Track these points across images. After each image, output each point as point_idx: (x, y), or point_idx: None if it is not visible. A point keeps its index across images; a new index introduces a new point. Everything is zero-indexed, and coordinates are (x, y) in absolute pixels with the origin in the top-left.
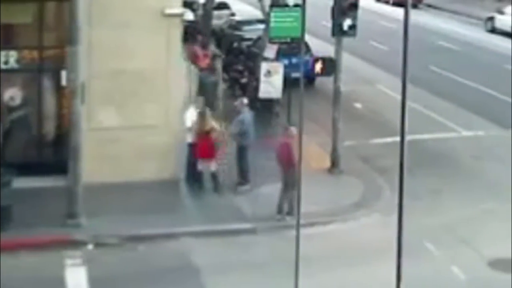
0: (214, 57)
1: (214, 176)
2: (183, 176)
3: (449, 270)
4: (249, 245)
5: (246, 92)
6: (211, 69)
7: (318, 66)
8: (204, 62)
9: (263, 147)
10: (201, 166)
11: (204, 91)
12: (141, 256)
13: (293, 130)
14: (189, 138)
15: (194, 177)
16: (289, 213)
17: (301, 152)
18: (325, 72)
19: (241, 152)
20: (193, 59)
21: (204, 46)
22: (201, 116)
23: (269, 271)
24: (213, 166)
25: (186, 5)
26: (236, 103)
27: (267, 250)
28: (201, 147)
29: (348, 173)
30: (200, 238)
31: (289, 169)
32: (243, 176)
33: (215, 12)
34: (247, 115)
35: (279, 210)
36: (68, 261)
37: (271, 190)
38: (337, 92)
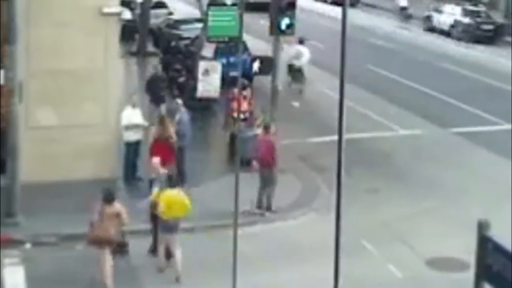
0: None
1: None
2: (121, 175)
3: (386, 268)
4: (188, 244)
5: (184, 91)
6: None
7: (256, 65)
8: None
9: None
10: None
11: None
12: (79, 255)
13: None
14: (126, 137)
15: (133, 177)
16: (268, 208)
17: (237, 151)
18: (263, 71)
19: (179, 153)
20: None
21: None
22: (161, 121)
23: (207, 270)
24: (170, 170)
25: (124, 4)
26: (172, 104)
27: (204, 249)
28: (160, 154)
29: (286, 172)
30: (138, 237)
31: (270, 166)
32: (181, 176)
33: (153, 11)
34: (184, 115)
35: (259, 205)
36: (6, 260)
37: (209, 189)
38: (274, 91)
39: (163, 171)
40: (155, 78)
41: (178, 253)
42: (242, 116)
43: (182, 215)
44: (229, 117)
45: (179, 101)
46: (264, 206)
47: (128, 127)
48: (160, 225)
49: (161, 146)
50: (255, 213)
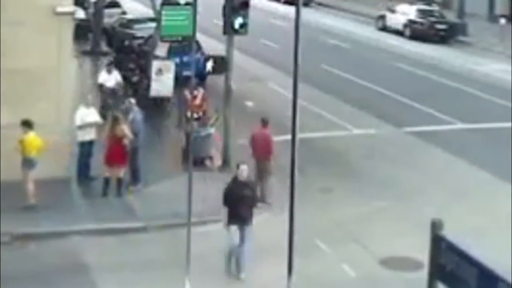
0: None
1: (120, 182)
2: (75, 175)
3: (339, 268)
4: (141, 244)
5: (137, 90)
6: None
7: (209, 65)
8: None
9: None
10: (109, 172)
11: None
12: (32, 254)
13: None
14: (80, 137)
15: (87, 176)
16: (263, 200)
17: (191, 150)
18: (216, 70)
19: (132, 152)
20: None
21: None
22: (115, 120)
23: (160, 269)
24: (121, 172)
25: (77, 3)
26: (125, 104)
27: (158, 248)
28: (113, 153)
29: None
30: (91, 237)
31: (266, 160)
32: (135, 176)
33: (106, 11)
34: (137, 115)
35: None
36: None
37: (162, 189)
38: (228, 91)
39: None
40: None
41: None
42: (195, 115)
43: None
44: (182, 116)
45: (132, 100)
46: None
47: (82, 127)
48: None
49: (114, 146)
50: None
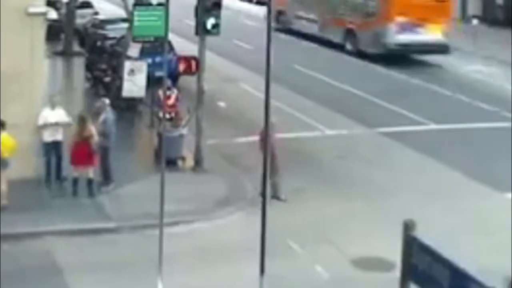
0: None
1: (90, 182)
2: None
3: (312, 268)
4: (113, 244)
5: (110, 91)
6: None
7: (181, 65)
8: None
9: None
10: (76, 173)
11: None
12: (5, 255)
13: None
14: (44, 138)
15: (59, 177)
16: (275, 196)
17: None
18: (188, 70)
19: (104, 153)
20: None
21: None
22: (81, 120)
23: (132, 270)
24: (90, 173)
25: (50, 4)
26: (98, 103)
27: (130, 249)
28: (79, 153)
29: (212, 172)
30: (63, 237)
31: (272, 157)
32: (106, 176)
33: (79, 11)
34: (109, 115)
35: (274, 195)
36: None
37: (134, 189)
38: (200, 91)
39: None
40: None
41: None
42: (168, 116)
43: None
44: (155, 117)
45: (107, 100)
46: (278, 194)
47: (44, 127)
48: None
49: (80, 146)
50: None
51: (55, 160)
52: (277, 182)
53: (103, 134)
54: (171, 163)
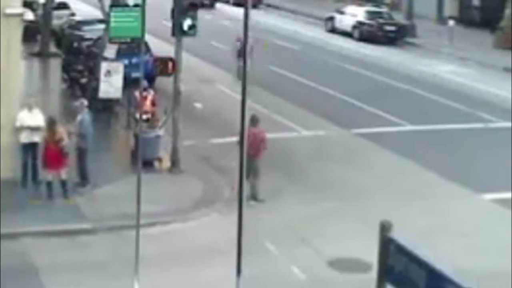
0: None
1: (64, 183)
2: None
3: (289, 269)
4: (89, 245)
5: (86, 92)
6: None
7: (158, 66)
8: None
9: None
10: (50, 176)
11: None
12: None
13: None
14: (21, 139)
15: (35, 179)
16: (254, 197)
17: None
18: (165, 72)
19: (81, 153)
20: None
21: None
22: (51, 123)
23: (108, 270)
24: (63, 174)
25: (26, 5)
26: (76, 103)
27: (106, 250)
28: (50, 156)
29: (188, 173)
30: (40, 238)
31: (256, 157)
32: (83, 177)
33: (55, 12)
34: (86, 116)
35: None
36: None
37: (111, 190)
38: (177, 92)
39: None
40: None
41: None
42: (144, 117)
43: None
44: (131, 118)
45: (85, 101)
46: (254, 195)
47: (20, 129)
48: None
49: (51, 149)
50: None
51: (33, 162)
52: (256, 183)
53: (80, 135)
54: (148, 164)
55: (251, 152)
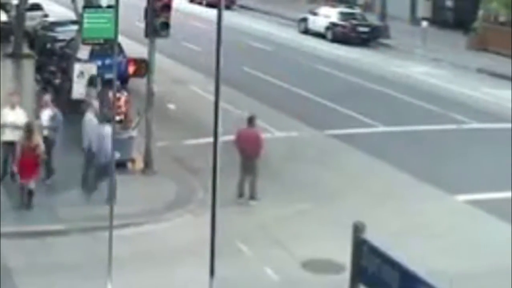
0: None
1: (30, 193)
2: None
3: (262, 271)
4: (62, 246)
5: (59, 93)
6: None
7: (131, 67)
8: None
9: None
10: (21, 181)
11: None
12: None
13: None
14: (5, 137)
15: (13, 177)
16: (253, 197)
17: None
18: (138, 73)
19: (49, 145)
20: None
21: None
22: (28, 129)
23: (81, 272)
24: (32, 184)
25: None
26: (45, 97)
27: (80, 251)
28: (25, 164)
29: (162, 174)
30: (13, 239)
31: (254, 156)
32: (48, 168)
33: (28, 13)
34: (56, 110)
35: (240, 195)
36: None
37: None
38: (150, 93)
39: None
40: None
41: None
42: (117, 118)
43: None
44: (105, 118)
45: (47, 96)
46: (246, 196)
47: (2, 127)
48: None
49: (26, 156)
50: (240, 202)
51: (11, 159)
52: (254, 183)
53: (52, 128)
54: (121, 165)
55: (249, 152)
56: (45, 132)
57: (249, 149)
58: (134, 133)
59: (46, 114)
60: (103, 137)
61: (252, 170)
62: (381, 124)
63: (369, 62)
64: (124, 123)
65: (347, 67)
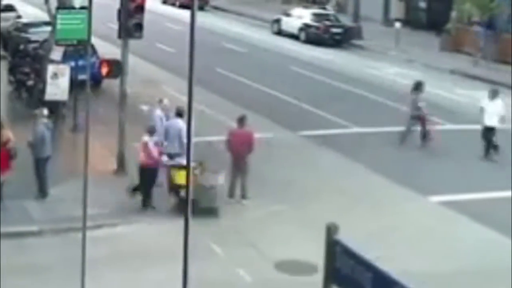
0: None
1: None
2: None
3: (235, 272)
4: (36, 248)
5: (32, 94)
6: None
7: (104, 68)
8: None
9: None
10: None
11: None
12: None
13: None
14: None
15: None
16: (244, 196)
17: (87, 155)
18: (111, 74)
19: (39, 164)
20: None
21: None
22: None
23: (55, 273)
24: (3, 178)
25: None
26: (36, 111)
27: (53, 252)
28: None
29: (135, 175)
30: None
31: (245, 156)
32: (42, 188)
33: (2, 15)
34: (42, 126)
35: (231, 195)
36: None
37: (58, 192)
38: (123, 94)
39: None
40: None
41: None
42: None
43: None
44: (77, 120)
45: (45, 110)
46: (237, 195)
47: None
48: None
49: None
50: (233, 202)
51: None
52: (245, 182)
53: (37, 145)
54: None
55: (241, 152)
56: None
57: (240, 149)
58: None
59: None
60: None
61: (244, 170)
62: (354, 125)
63: (342, 63)
64: None
65: (320, 68)
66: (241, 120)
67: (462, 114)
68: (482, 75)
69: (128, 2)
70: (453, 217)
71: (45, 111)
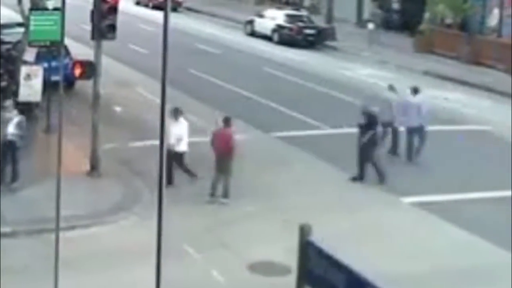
0: None
1: None
2: None
3: (208, 273)
4: (9, 249)
5: (5, 95)
6: None
7: (77, 70)
8: None
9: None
10: None
11: None
12: None
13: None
14: None
15: None
16: (225, 196)
17: (60, 156)
18: (84, 75)
19: (14, 151)
20: None
21: None
22: None
23: (29, 274)
24: None
25: None
26: (6, 103)
27: (26, 253)
28: None
29: (108, 176)
30: None
31: (228, 156)
32: (16, 174)
33: None
34: (22, 117)
35: (212, 193)
36: None
37: (31, 193)
38: (96, 95)
39: None
40: None
41: None
42: None
43: None
44: (51, 121)
45: (11, 102)
46: (218, 194)
47: None
48: None
49: None
50: (214, 201)
51: None
52: (228, 182)
53: (18, 136)
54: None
55: (223, 152)
56: (10, 137)
57: (222, 149)
58: None
59: (13, 121)
60: None
61: (226, 170)
62: (327, 126)
63: (315, 64)
64: None
65: (293, 70)
66: (226, 121)
67: (434, 115)
68: (456, 76)
69: (101, 3)
70: (425, 218)
71: (7, 102)
